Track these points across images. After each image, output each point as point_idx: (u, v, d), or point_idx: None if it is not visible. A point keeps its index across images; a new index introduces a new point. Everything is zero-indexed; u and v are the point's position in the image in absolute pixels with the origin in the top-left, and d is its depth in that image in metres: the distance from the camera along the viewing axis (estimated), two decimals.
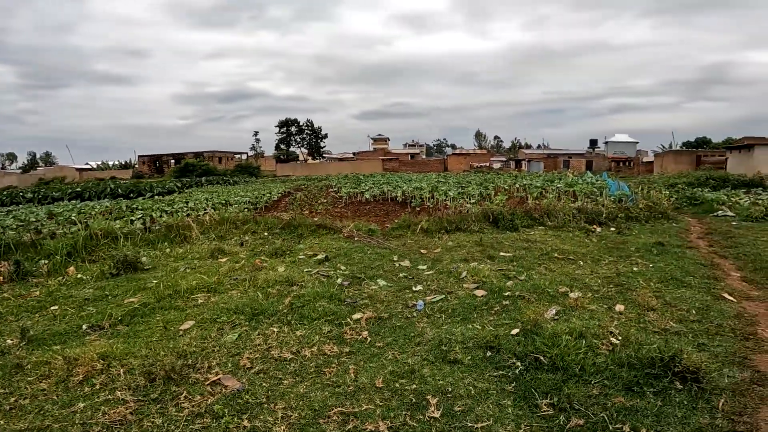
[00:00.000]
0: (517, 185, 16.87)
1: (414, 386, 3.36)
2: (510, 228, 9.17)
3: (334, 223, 10.76)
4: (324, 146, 73.86)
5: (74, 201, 26.85)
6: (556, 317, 4.21)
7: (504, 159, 69.66)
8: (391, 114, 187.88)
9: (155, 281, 6.35)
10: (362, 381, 3.49)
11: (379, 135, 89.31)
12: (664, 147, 45.64)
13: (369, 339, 4.32)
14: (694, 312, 4.21)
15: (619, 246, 7.36)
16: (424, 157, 78.05)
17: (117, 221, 11.98)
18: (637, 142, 60.05)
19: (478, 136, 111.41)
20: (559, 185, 15.26)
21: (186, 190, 31.72)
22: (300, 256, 7.97)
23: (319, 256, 7.69)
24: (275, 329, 4.57)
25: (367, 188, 18.21)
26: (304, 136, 71.84)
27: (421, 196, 14.47)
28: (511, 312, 4.40)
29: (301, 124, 71.22)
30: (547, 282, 5.37)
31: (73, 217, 13.96)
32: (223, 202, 17.73)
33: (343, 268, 6.95)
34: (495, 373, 3.29)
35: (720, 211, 11.45)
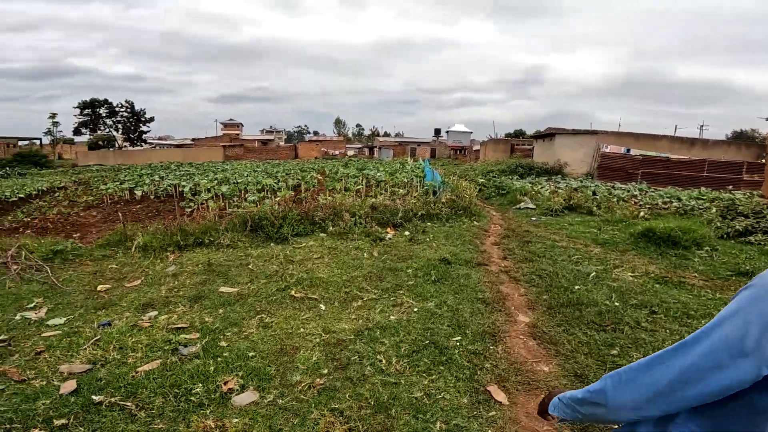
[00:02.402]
0: (338, 174, 14.67)
1: None
2: (278, 238, 6.52)
3: (2, 241, 6.54)
4: (148, 131, 61.05)
5: None
6: None
7: (360, 146, 69.61)
8: (252, 98, 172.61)
9: None
10: None
11: (231, 120, 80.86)
12: (491, 137, 50.95)
13: None
14: None
15: (398, 265, 5.34)
16: (282, 143, 72.81)
17: None
18: (471, 132, 66.51)
19: (338, 123, 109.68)
20: (377, 173, 13.50)
21: None
22: None
23: None
24: None
25: (134, 184, 13.68)
26: (119, 119, 58.07)
27: (195, 192, 10.91)
28: None
29: (114, 105, 57.22)
30: (233, 357, 3.02)
31: None
32: None
33: None
34: None
35: (522, 203, 11.03)
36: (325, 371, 2.86)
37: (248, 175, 14.95)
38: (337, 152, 52.91)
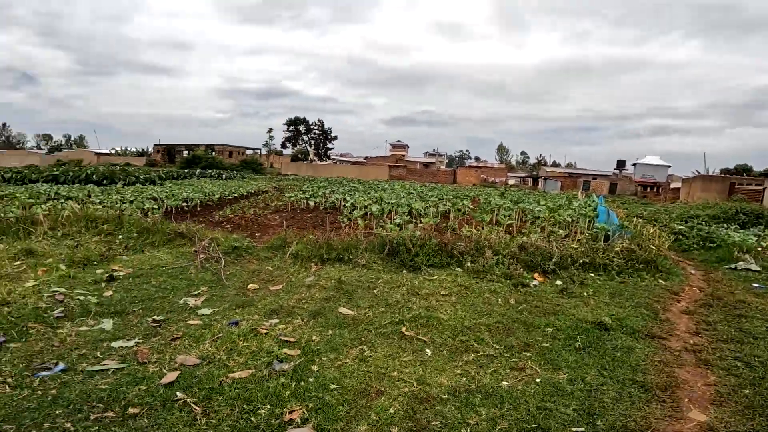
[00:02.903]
0: (490, 204, 13.85)
1: None
2: (411, 266, 6.35)
3: (203, 232, 8.26)
4: (332, 148, 71.72)
5: (48, 184, 25.84)
6: None
7: (523, 175, 65.89)
8: (418, 121, 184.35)
9: None
10: None
11: (398, 141, 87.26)
12: (699, 172, 40.56)
13: None
14: None
15: (536, 320, 4.46)
16: (443, 167, 75.14)
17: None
18: (669, 166, 54.85)
19: (500, 149, 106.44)
20: (535, 208, 12.14)
21: (172, 181, 30.62)
22: (98, 272, 6.08)
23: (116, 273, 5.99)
24: None
25: (310, 195, 15.67)
26: (312, 135, 69.81)
27: (353, 208, 11.77)
28: None
29: (310, 123, 69.28)
30: (314, 385, 3.03)
31: None
32: (169, 196, 15.63)
33: (91, 299, 4.65)
34: None
35: (741, 263, 8.17)
36: (395, 430, 2.43)
37: (402, 197, 15.54)
38: (496, 180, 51.17)
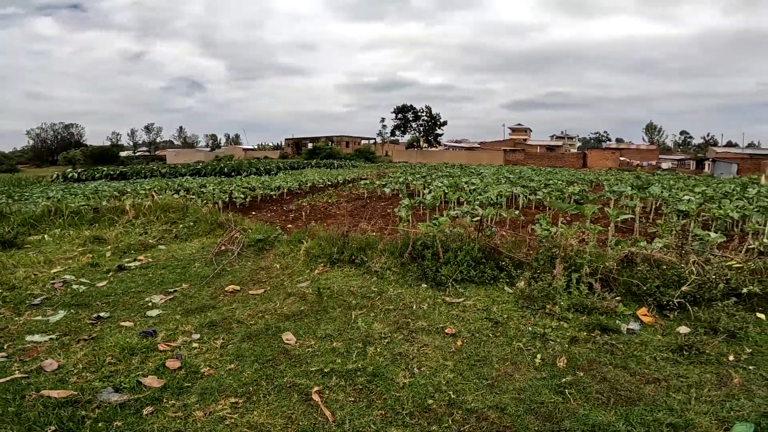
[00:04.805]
0: (608, 191, 10.47)
1: None
2: (433, 279, 4.51)
3: (240, 222, 7.70)
4: (441, 134, 68.23)
5: (192, 177, 30.33)
6: None
7: (682, 157, 53.71)
8: (546, 104, 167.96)
9: None
10: None
11: (519, 125, 79.94)
12: None
13: None
14: None
15: (580, 413, 2.29)
16: (574, 150, 66.21)
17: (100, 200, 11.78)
18: None
19: (650, 129, 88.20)
20: (683, 196, 8.55)
21: (287, 171, 32.78)
22: (128, 260, 6.01)
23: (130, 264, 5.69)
24: None
25: (385, 182, 14.34)
26: (421, 122, 67.52)
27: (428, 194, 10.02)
28: None
29: (417, 110, 67.09)
30: None
31: (100, 194, 14.55)
32: (263, 186, 16.33)
33: (80, 289, 4.22)
34: None
35: None
36: None
37: (484, 182, 13.07)
38: (644, 163, 42.03)
